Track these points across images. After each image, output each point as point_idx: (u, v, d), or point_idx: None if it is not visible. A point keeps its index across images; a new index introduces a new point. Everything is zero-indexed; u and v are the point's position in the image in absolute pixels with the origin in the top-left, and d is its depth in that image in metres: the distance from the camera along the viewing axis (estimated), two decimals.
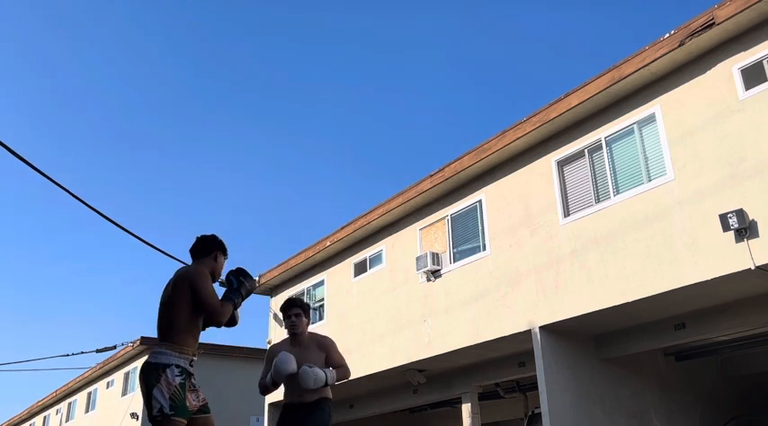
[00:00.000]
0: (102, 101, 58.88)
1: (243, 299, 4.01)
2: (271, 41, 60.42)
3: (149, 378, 3.65)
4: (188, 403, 3.67)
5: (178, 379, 3.65)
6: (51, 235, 67.05)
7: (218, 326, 3.91)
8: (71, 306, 69.04)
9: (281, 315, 4.96)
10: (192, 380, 3.80)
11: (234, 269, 4.09)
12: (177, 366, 3.68)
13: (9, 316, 66.46)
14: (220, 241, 4.12)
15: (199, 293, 3.75)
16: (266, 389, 4.82)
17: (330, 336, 5.17)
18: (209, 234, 4.14)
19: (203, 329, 3.96)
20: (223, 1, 55.40)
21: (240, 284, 4.00)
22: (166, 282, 3.98)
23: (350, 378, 5.04)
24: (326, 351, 4.83)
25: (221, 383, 21.23)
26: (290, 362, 4.61)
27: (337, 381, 4.77)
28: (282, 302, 5.06)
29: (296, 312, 4.86)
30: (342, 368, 4.85)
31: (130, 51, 55.76)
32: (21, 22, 52.72)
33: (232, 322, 4.06)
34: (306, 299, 15.98)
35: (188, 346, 3.76)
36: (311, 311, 5.05)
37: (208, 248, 4.05)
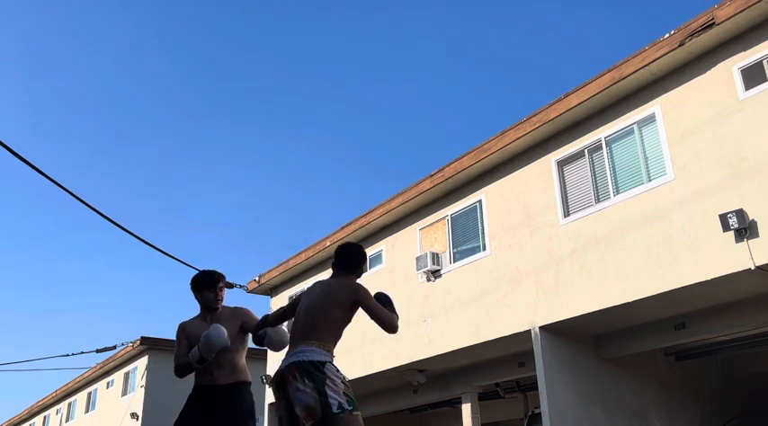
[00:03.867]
0: (104, 99, 58.91)
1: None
2: (271, 40, 60.44)
3: (313, 377, 3.50)
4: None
5: (340, 375, 3.57)
6: (52, 235, 67.09)
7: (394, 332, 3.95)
8: (71, 306, 69.08)
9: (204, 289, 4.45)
10: None
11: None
12: (332, 363, 3.62)
13: (9, 316, 66.51)
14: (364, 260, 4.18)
15: (369, 306, 3.83)
16: (187, 368, 4.24)
17: None
18: (358, 248, 4.16)
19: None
20: None
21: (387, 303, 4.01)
22: (322, 284, 4.00)
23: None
24: (242, 318, 4.41)
25: None
26: (223, 333, 4.09)
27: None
28: (200, 275, 4.50)
29: (222, 285, 4.48)
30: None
31: (132, 50, 55.80)
32: (22, 21, 52.77)
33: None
34: None
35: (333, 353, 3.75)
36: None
37: (358, 263, 4.12)
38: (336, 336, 3.82)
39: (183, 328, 4.41)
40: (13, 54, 56.24)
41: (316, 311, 3.81)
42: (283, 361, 3.72)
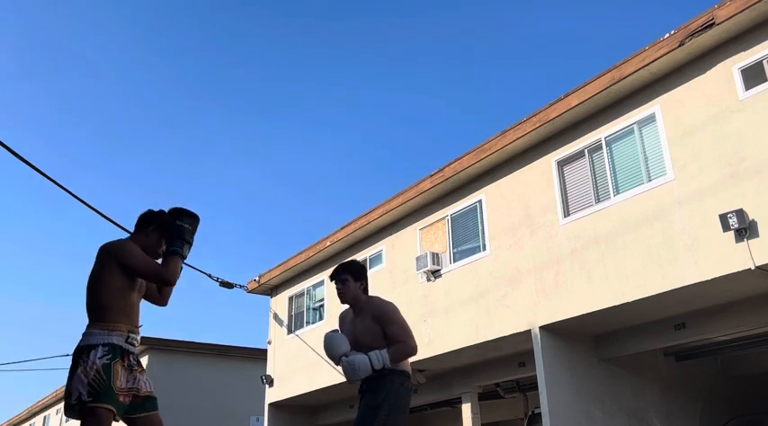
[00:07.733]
0: (104, 102, 58.90)
1: (189, 244, 3.60)
2: (274, 42, 60.43)
3: (73, 363, 3.27)
4: (114, 385, 3.23)
5: (103, 360, 3.23)
6: (52, 236, 67.08)
7: (171, 286, 3.57)
8: (71, 306, 69.09)
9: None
10: (131, 359, 3.39)
11: (171, 210, 3.66)
12: (105, 344, 3.28)
13: (9, 317, 66.49)
14: (155, 215, 3.70)
15: (130, 264, 3.40)
16: None
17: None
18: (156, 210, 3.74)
19: (160, 295, 3.78)
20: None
21: (179, 229, 3.56)
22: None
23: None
24: (382, 324, 4.03)
25: (221, 383, 21.19)
26: (336, 344, 4.02)
27: (397, 360, 3.97)
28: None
29: (342, 277, 4.18)
30: (400, 346, 3.97)
31: (134, 49, 55.80)
32: (25, 17, 52.75)
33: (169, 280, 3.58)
34: (306, 299, 15.97)
35: (119, 322, 3.37)
36: (363, 274, 4.29)
37: (140, 223, 3.69)
38: (121, 306, 3.42)
39: (340, 318, 4.44)
40: (23, 51, 56.27)
41: (88, 285, 3.49)
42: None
